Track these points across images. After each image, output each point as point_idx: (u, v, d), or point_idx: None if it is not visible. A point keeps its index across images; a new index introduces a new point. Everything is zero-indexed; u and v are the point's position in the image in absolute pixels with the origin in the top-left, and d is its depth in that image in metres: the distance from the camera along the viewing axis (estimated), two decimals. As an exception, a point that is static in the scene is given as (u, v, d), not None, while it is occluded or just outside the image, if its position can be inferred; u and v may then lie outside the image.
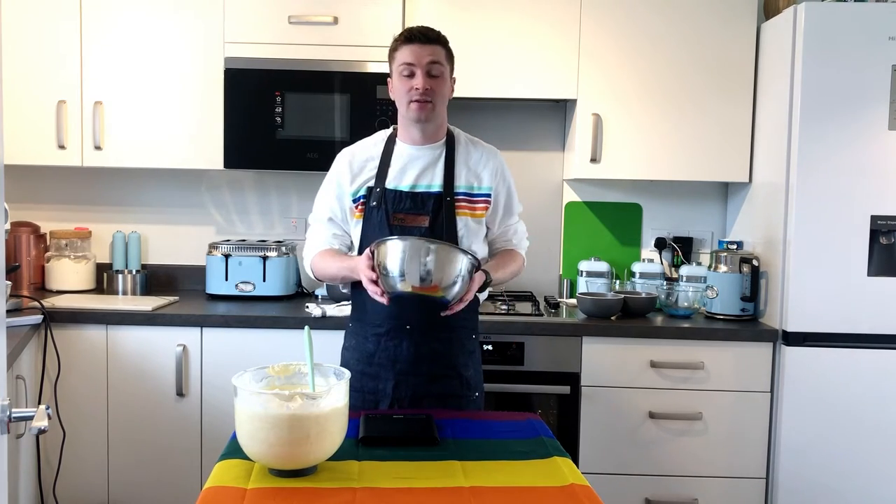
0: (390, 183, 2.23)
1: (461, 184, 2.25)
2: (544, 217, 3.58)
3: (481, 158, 2.29)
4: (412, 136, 2.25)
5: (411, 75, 2.17)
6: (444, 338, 2.26)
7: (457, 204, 2.23)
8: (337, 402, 1.69)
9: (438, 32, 2.23)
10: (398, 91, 2.22)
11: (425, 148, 2.24)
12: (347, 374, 1.80)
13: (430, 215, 2.20)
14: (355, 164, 2.27)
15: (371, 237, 2.18)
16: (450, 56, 2.24)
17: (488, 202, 2.27)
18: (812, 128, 2.88)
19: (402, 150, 2.25)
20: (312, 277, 2.37)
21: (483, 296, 2.39)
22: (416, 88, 2.16)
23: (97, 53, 3.17)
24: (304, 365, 1.82)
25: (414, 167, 2.24)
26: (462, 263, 2.04)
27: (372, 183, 2.24)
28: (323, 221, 2.33)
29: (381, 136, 2.32)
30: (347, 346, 2.35)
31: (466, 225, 2.23)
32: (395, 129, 2.31)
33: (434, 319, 2.17)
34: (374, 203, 2.22)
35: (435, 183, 2.24)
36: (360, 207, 2.25)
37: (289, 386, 1.83)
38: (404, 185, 2.23)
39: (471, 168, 2.27)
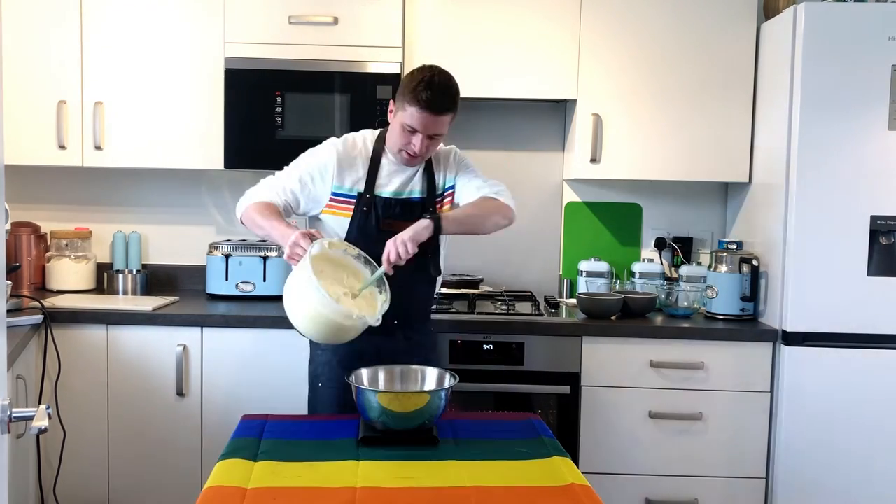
0: (378, 189, 2.33)
1: (439, 190, 2.40)
2: (544, 217, 3.58)
3: (444, 160, 2.41)
4: (398, 160, 2.34)
5: (413, 132, 2.22)
6: (420, 328, 2.42)
7: (435, 205, 2.38)
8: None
9: (455, 94, 2.23)
10: (395, 135, 2.27)
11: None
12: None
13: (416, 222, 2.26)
14: (344, 161, 2.33)
15: (362, 241, 2.25)
16: (456, 113, 2.27)
17: (451, 193, 2.40)
18: (812, 128, 2.88)
19: (389, 159, 2.35)
20: (238, 215, 2.40)
21: (438, 284, 2.48)
22: (413, 148, 2.24)
23: (97, 53, 3.17)
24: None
25: (399, 175, 2.35)
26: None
27: (358, 185, 2.32)
28: (283, 187, 2.35)
29: (371, 136, 2.39)
30: (325, 349, 2.37)
31: None
32: (384, 131, 2.38)
33: (416, 311, 2.37)
34: (365, 208, 2.30)
35: (416, 190, 2.36)
36: (340, 205, 2.32)
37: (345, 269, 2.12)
38: (389, 192, 2.33)
39: (441, 172, 2.40)
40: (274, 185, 2.36)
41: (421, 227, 2.13)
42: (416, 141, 2.22)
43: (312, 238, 2.08)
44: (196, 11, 3.16)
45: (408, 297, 2.26)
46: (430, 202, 2.36)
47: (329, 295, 1.93)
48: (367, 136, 2.39)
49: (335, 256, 2.13)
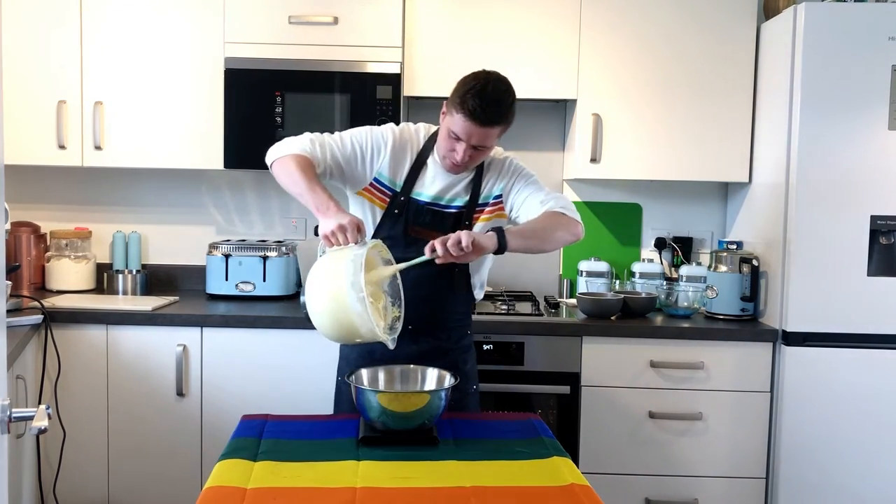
0: (416, 190, 2.23)
1: (480, 200, 2.28)
2: (544, 217, 3.57)
3: (495, 169, 2.28)
4: (443, 165, 2.23)
5: (456, 140, 2.11)
6: (443, 336, 2.28)
7: (473, 217, 2.25)
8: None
9: (507, 106, 2.08)
10: (441, 139, 2.17)
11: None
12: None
13: (446, 234, 2.21)
14: (397, 149, 2.23)
15: (387, 242, 2.13)
16: (507, 126, 2.13)
17: (497, 204, 2.28)
18: (812, 128, 2.88)
19: (436, 160, 2.24)
20: (269, 161, 2.19)
21: (479, 294, 2.38)
22: (455, 156, 2.13)
23: (97, 53, 3.17)
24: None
25: (444, 179, 2.24)
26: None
27: (399, 180, 2.23)
28: (331, 149, 2.18)
29: (425, 132, 2.28)
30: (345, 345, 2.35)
31: (476, 229, 2.25)
32: (437, 132, 2.27)
33: (435, 318, 2.19)
34: (397, 211, 2.22)
35: (458, 198, 2.25)
36: (378, 193, 2.23)
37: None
38: (428, 195, 2.24)
39: (489, 181, 2.28)
40: (322, 144, 2.18)
41: (485, 237, 1.99)
42: (460, 149, 2.10)
43: (358, 230, 1.94)
44: (196, 11, 3.16)
45: (425, 304, 2.19)
46: (468, 213, 2.24)
47: (372, 313, 1.84)
48: (422, 131, 2.28)
49: (368, 258, 2.01)
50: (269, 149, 2.19)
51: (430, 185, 2.24)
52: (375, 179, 2.23)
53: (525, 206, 2.23)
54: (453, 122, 2.09)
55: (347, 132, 2.25)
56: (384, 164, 2.22)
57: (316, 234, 3.50)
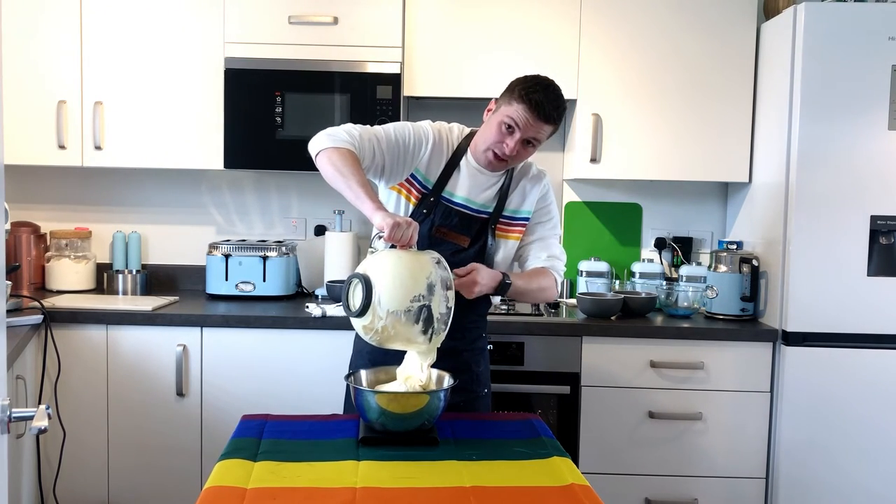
0: (447, 190, 2.23)
1: (509, 208, 2.28)
2: (544, 217, 3.57)
3: (529, 182, 2.29)
4: (481, 160, 2.23)
5: (509, 131, 2.12)
6: (458, 336, 2.28)
7: (498, 226, 2.27)
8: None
9: (563, 110, 2.13)
10: (489, 132, 2.16)
11: (489, 172, 2.25)
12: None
13: (472, 237, 2.23)
14: (436, 147, 2.23)
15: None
16: (556, 130, 2.17)
17: (524, 225, 2.30)
18: (812, 128, 2.88)
19: (468, 162, 2.24)
20: (314, 149, 2.10)
21: (496, 299, 2.40)
22: (505, 148, 2.13)
23: (97, 53, 3.17)
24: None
25: (472, 182, 2.24)
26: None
27: (432, 178, 2.23)
28: (378, 143, 2.15)
29: (459, 133, 2.29)
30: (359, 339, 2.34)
31: (503, 247, 2.27)
32: (471, 134, 2.27)
33: (454, 318, 2.21)
34: (425, 210, 2.23)
35: (487, 204, 2.26)
36: (412, 189, 2.23)
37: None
38: (460, 197, 2.24)
39: (520, 192, 2.29)
40: (369, 138, 2.14)
41: (496, 281, 2.13)
42: (511, 142, 2.11)
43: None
44: (196, 11, 3.16)
45: None
46: (493, 219, 2.25)
47: (426, 364, 1.95)
48: (455, 131, 2.29)
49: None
50: (313, 138, 2.13)
51: (461, 187, 2.24)
52: (412, 175, 2.23)
53: (524, 240, 2.30)
54: (512, 110, 2.09)
55: (390, 126, 2.23)
56: (423, 161, 2.22)
57: (317, 233, 3.51)
